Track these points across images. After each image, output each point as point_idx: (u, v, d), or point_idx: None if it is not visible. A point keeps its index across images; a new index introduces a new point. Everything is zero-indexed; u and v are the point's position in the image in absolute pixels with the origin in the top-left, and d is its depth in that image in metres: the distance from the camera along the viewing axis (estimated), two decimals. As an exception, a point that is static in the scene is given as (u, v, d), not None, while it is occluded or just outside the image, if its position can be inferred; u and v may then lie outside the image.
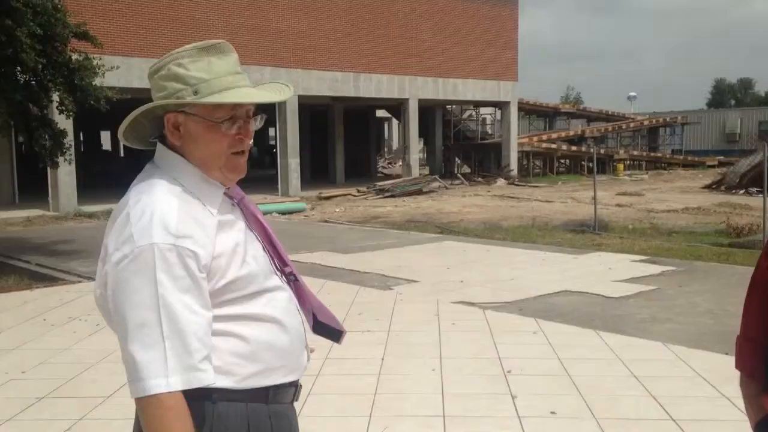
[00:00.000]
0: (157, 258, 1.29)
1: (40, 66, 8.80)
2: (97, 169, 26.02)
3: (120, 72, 16.43)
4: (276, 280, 1.48)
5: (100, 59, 9.84)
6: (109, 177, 20.88)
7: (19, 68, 8.82)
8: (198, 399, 1.32)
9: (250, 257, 1.42)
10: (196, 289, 1.32)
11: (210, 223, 1.39)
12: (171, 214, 1.33)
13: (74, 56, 9.53)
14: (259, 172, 31.74)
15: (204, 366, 1.31)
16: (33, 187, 19.05)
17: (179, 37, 20.06)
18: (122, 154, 32.87)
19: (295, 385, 1.51)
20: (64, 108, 9.53)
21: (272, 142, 37.20)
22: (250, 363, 1.40)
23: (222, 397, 1.36)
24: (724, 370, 4.44)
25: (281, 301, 1.48)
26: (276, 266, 1.52)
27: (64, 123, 10.75)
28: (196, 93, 1.40)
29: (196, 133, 1.42)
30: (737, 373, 1.70)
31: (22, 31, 8.00)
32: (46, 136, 9.59)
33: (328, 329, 1.69)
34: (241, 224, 1.46)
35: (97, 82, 9.57)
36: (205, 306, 1.33)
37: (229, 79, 1.42)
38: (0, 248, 10.38)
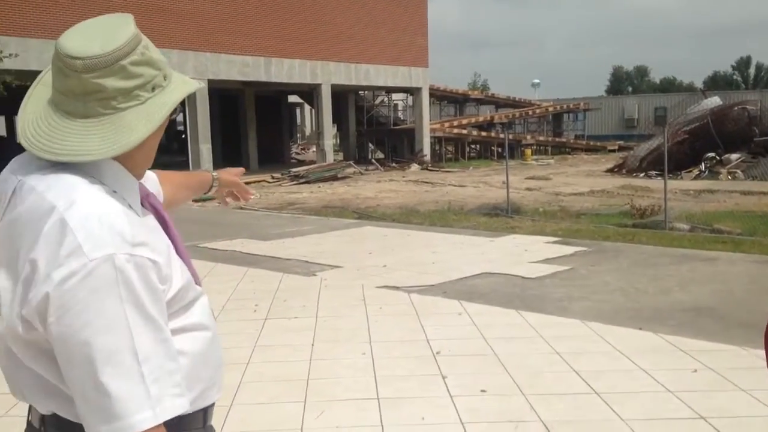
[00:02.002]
0: (118, 271, 1.06)
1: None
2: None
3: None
4: (197, 285, 1.31)
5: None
6: (3, 164, 19.72)
7: None
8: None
9: (180, 262, 1.25)
10: (159, 303, 1.12)
11: (151, 225, 1.20)
12: (120, 217, 1.10)
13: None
14: (168, 158, 30.80)
15: (181, 390, 1.13)
16: None
17: (72, 17, 19.11)
18: (18, 141, 31.12)
19: (214, 404, 1.36)
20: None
21: (180, 128, 36.16)
22: (194, 383, 1.24)
23: (171, 428, 1.16)
24: (639, 345, 4.71)
25: (207, 307, 1.32)
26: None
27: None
28: (164, 78, 1.22)
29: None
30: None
31: None
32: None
33: None
34: (159, 225, 1.27)
35: None
36: (167, 322, 1.15)
37: None
38: None
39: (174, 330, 1.19)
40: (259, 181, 21.07)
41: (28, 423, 1.25)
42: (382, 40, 27.64)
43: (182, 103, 26.93)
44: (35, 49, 16.92)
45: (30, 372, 1.16)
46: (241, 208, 14.63)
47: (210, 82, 22.36)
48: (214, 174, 1.88)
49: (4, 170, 1.24)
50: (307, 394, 3.98)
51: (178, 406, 1.12)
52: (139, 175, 1.25)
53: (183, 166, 22.29)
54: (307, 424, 3.60)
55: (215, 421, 3.70)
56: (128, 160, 1.20)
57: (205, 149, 21.98)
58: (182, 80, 1.27)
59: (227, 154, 28.36)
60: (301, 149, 39.74)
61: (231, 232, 10.04)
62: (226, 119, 28.86)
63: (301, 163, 29.04)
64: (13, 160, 1.25)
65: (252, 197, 2.00)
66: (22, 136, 1.16)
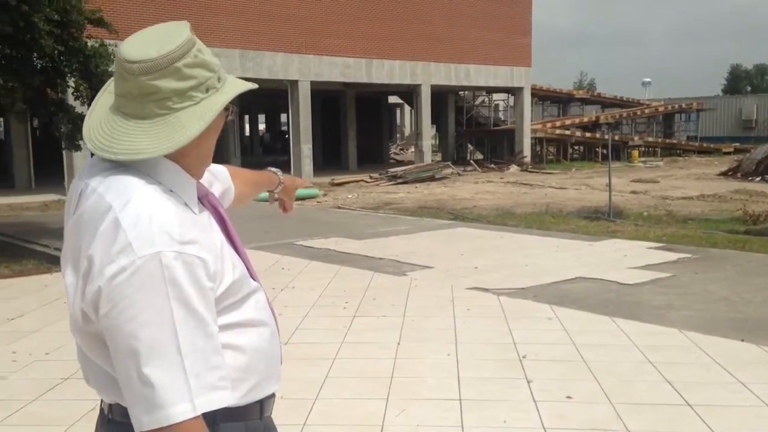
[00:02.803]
0: (165, 268, 1.12)
1: (56, 52, 8.85)
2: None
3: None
4: (253, 281, 1.35)
5: (116, 46, 9.90)
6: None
7: (35, 54, 8.88)
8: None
9: (234, 258, 1.30)
10: (205, 300, 1.16)
11: (204, 223, 1.24)
12: (170, 217, 1.16)
13: (90, 43, 9.57)
14: (271, 158, 31.81)
15: (225, 383, 1.17)
16: (49, 172, 19.23)
17: (192, 23, 20.06)
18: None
19: (274, 395, 1.40)
20: (79, 94, 9.59)
21: (284, 128, 37.26)
22: (248, 375, 1.29)
23: (224, 417, 1.23)
24: (739, 357, 4.46)
25: (263, 303, 1.36)
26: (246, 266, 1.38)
27: (80, 108, 10.82)
28: (219, 80, 1.26)
29: (209, 126, 1.25)
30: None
31: (39, 17, 8.05)
32: (65, 121, 9.68)
33: None
34: (215, 222, 1.31)
35: (113, 68, 9.63)
36: (215, 319, 1.19)
37: None
38: (18, 232, 10.50)
39: (227, 325, 1.24)
40: (357, 181, 21.39)
41: (101, 409, 1.34)
42: (483, 40, 27.40)
43: (282, 102, 27.62)
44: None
45: (94, 363, 1.24)
46: (339, 208, 14.92)
47: (312, 83, 22.94)
48: (281, 177, 1.94)
49: (75, 178, 1.33)
50: (390, 392, 4.02)
51: (219, 399, 1.15)
52: (196, 175, 1.30)
53: (285, 165, 22.95)
54: (388, 421, 3.64)
55: (298, 413, 3.79)
56: (184, 159, 1.25)
57: (306, 149, 22.54)
58: (235, 82, 1.31)
59: (327, 154, 28.99)
60: (400, 149, 40.00)
61: (326, 231, 10.26)
62: (327, 120, 29.49)
63: (400, 163, 29.24)
64: (86, 163, 1.33)
65: (290, 213, 2.03)
66: (87, 139, 1.24)
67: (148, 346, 1.10)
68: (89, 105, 1.49)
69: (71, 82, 9.72)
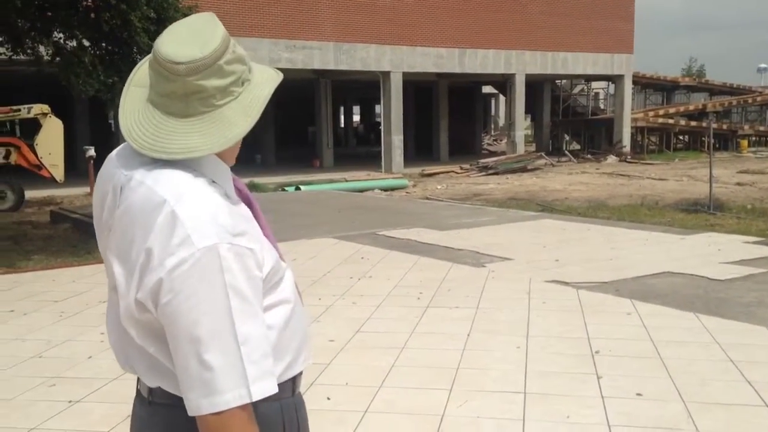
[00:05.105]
0: (222, 259, 1.16)
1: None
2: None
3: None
4: (282, 261, 1.36)
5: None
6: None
7: (135, 50, 9.34)
8: None
9: (266, 242, 1.31)
10: (255, 289, 1.20)
11: (247, 213, 1.28)
12: (222, 210, 1.20)
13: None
14: (365, 148, 32.24)
15: (274, 370, 1.21)
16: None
17: (286, 17, 20.58)
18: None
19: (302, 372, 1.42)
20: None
21: (378, 119, 37.58)
22: (283, 355, 1.31)
23: (272, 396, 1.23)
24: (832, 359, 4.16)
25: (292, 282, 1.37)
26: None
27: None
28: (249, 71, 1.28)
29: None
30: None
31: (135, 15, 8.45)
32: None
33: None
34: (246, 207, 1.34)
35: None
36: (262, 307, 1.23)
37: None
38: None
39: (267, 306, 1.27)
40: (447, 172, 21.31)
41: (138, 391, 1.40)
42: (581, 27, 26.60)
43: (374, 93, 27.68)
44: (245, 47, 18.46)
45: (141, 350, 1.27)
46: (426, 198, 14.90)
47: (405, 74, 23.03)
48: None
49: (109, 165, 1.33)
50: (454, 383, 4.00)
51: (269, 388, 1.19)
52: (229, 164, 1.33)
53: (377, 156, 23.16)
54: (449, 411, 3.63)
55: (361, 400, 3.85)
56: (223, 151, 1.27)
57: (397, 140, 22.67)
58: (264, 73, 1.32)
59: (419, 144, 29.02)
60: (494, 140, 39.49)
61: (410, 221, 10.28)
62: (419, 110, 29.51)
63: (493, 154, 28.88)
64: (114, 155, 1.34)
65: None
66: (129, 137, 1.25)
67: (209, 334, 1.14)
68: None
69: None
